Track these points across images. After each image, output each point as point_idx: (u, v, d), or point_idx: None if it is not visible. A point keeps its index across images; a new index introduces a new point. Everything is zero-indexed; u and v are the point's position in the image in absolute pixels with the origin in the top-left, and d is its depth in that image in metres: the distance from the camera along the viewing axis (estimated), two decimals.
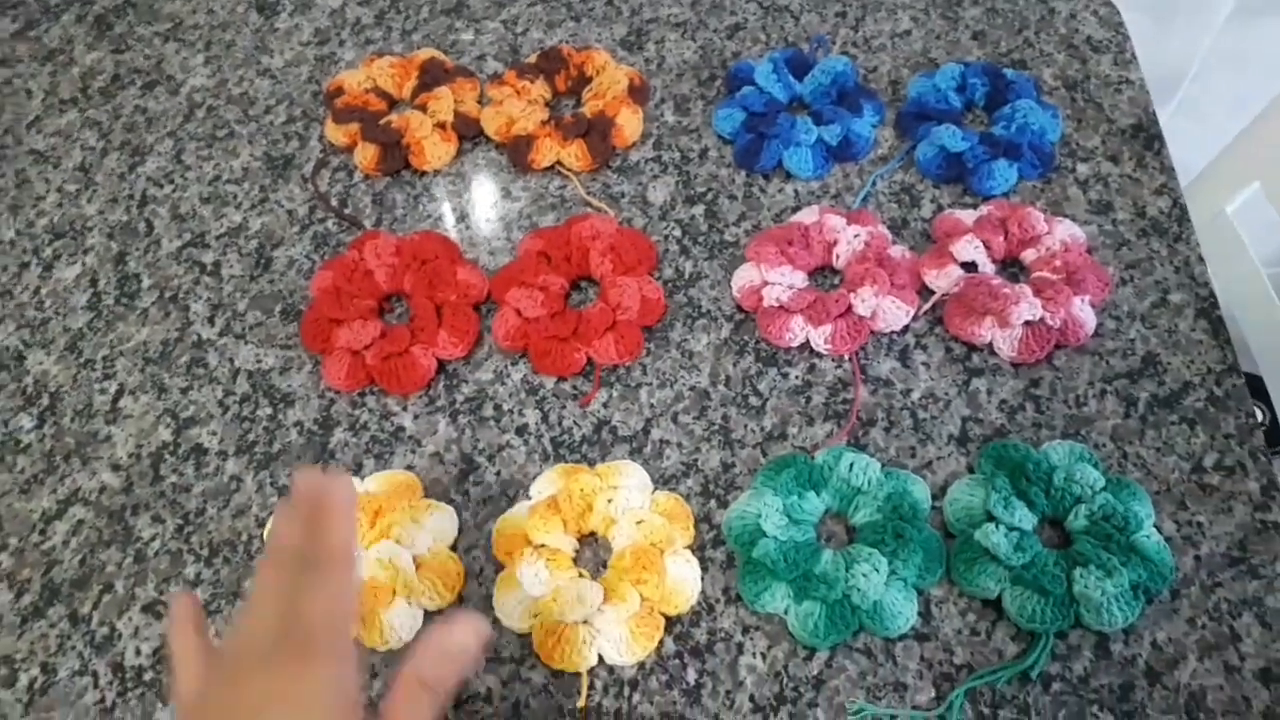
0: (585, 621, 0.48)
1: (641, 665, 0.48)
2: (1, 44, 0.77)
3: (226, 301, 0.63)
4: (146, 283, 0.64)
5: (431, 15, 0.77)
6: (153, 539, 0.54)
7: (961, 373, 0.57)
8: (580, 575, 0.50)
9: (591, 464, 0.54)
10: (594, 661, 0.48)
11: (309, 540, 0.34)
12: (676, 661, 0.49)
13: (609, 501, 0.51)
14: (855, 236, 0.60)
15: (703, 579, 0.50)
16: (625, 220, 0.64)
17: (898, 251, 0.60)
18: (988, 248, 0.59)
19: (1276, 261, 0.77)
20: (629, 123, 0.67)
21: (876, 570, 0.48)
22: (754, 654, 0.49)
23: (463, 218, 0.66)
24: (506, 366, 0.59)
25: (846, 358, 0.58)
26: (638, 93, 0.69)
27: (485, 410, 0.57)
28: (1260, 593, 0.48)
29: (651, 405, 0.57)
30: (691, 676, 0.48)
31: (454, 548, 0.52)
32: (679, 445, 0.55)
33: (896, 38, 0.72)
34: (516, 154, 0.67)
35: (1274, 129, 0.82)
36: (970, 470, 0.53)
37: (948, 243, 0.59)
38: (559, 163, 0.67)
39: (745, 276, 0.60)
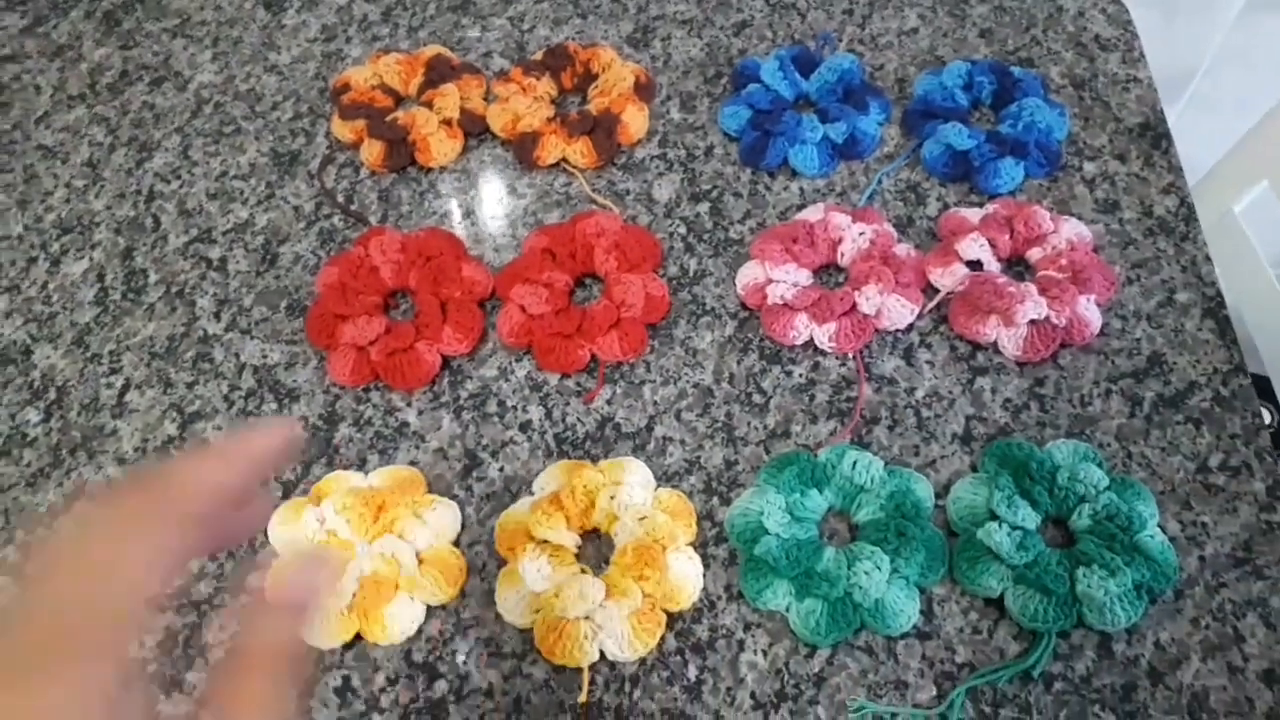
0: (587, 617, 0.48)
1: (643, 661, 0.49)
2: (10, 40, 0.77)
3: (232, 297, 0.63)
4: (153, 278, 0.64)
5: (438, 12, 0.77)
6: None
7: (966, 371, 0.57)
8: (582, 571, 0.50)
9: (595, 460, 0.54)
10: (595, 657, 0.48)
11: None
12: (678, 658, 0.49)
13: (612, 498, 0.51)
14: (860, 234, 0.59)
15: (705, 576, 0.50)
16: (630, 217, 0.64)
17: (903, 249, 0.60)
18: (993, 246, 0.59)
19: None
20: (634, 120, 0.67)
21: (879, 568, 0.48)
22: (755, 651, 0.49)
23: (468, 214, 0.66)
24: (511, 363, 0.59)
25: (851, 356, 0.58)
26: (643, 90, 0.69)
27: (489, 406, 0.57)
28: (1265, 594, 0.48)
29: (655, 402, 0.57)
30: (692, 673, 0.48)
31: (457, 543, 0.53)
32: (682, 442, 0.55)
33: (903, 35, 0.72)
34: (522, 151, 0.67)
35: None
36: (974, 469, 0.53)
37: (953, 241, 0.59)
38: (564, 160, 0.67)
39: (750, 274, 0.60)
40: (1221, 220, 0.78)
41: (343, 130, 0.69)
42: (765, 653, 0.48)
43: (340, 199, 0.67)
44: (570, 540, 0.51)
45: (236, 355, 0.60)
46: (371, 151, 0.67)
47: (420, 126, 0.67)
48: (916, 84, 0.68)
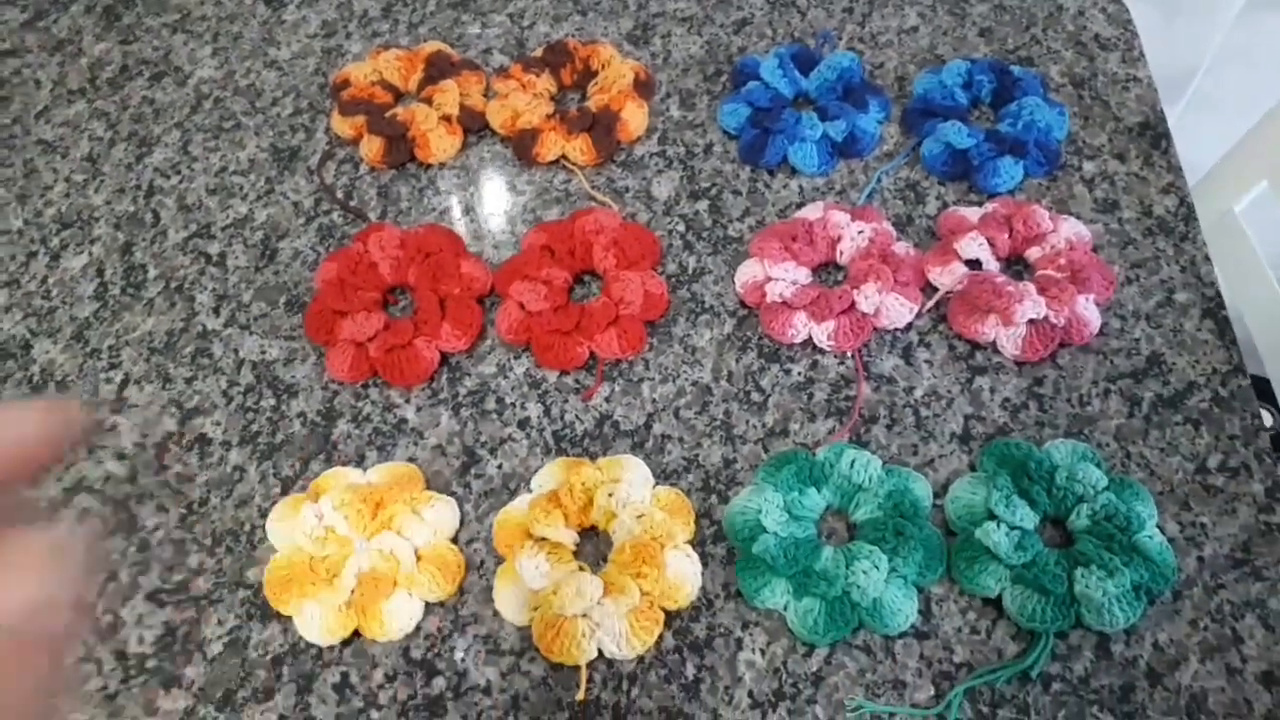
0: (585, 615, 0.48)
1: (640, 659, 0.49)
2: (11, 34, 0.77)
3: (232, 292, 0.63)
4: (152, 273, 0.64)
5: (438, 8, 0.77)
6: (156, 528, 0.54)
7: (965, 370, 0.57)
8: (580, 569, 0.50)
9: (593, 458, 0.54)
10: (593, 655, 0.48)
11: None
12: (675, 656, 0.49)
13: (610, 495, 0.51)
14: (859, 233, 0.59)
15: (703, 574, 0.50)
16: (629, 215, 0.64)
17: (902, 248, 0.60)
18: (992, 245, 0.59)
19: None
20: (634, 117, 0.67)
21: (877, 567, 0.48)
22: (753, 650, 0.49)
23: (467, 211, 0.66)
24: (509, 360, 0.59)
25: (849, 354, 0.58)
26: (643, 87, 0.69)
27: (488, 403, 0.57)
28: (1263, 595, 0.48)
29: (653, 400, 0.57)
30: (690, 671, 0.48)
31: (455, 540, 0.53)
32: (680, 440, 0.55)
33: (903, 34, 0.72)
34: (521, 147, 0.67)
35: None
36: (972, 468, 0.53)
37: (952, 240, 0.59)
38: (564, 157, 0.67)
39: (749, 272, 0.60)
40: (1222, 220, 0.77)
41: (342, 126, 0.69)
42: (763, 651, 0.49)
43: (340, 195, 0.67)
44: (568, 538, 0.51)
45: (235, 351, 0.60)
46: (371, 147, 0.67)
47: (420, 123, 0.67)
48: (916, 82, 0.68)
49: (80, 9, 0.79)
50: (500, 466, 0.55)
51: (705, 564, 0.51)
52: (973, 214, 0.61)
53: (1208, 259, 0.59)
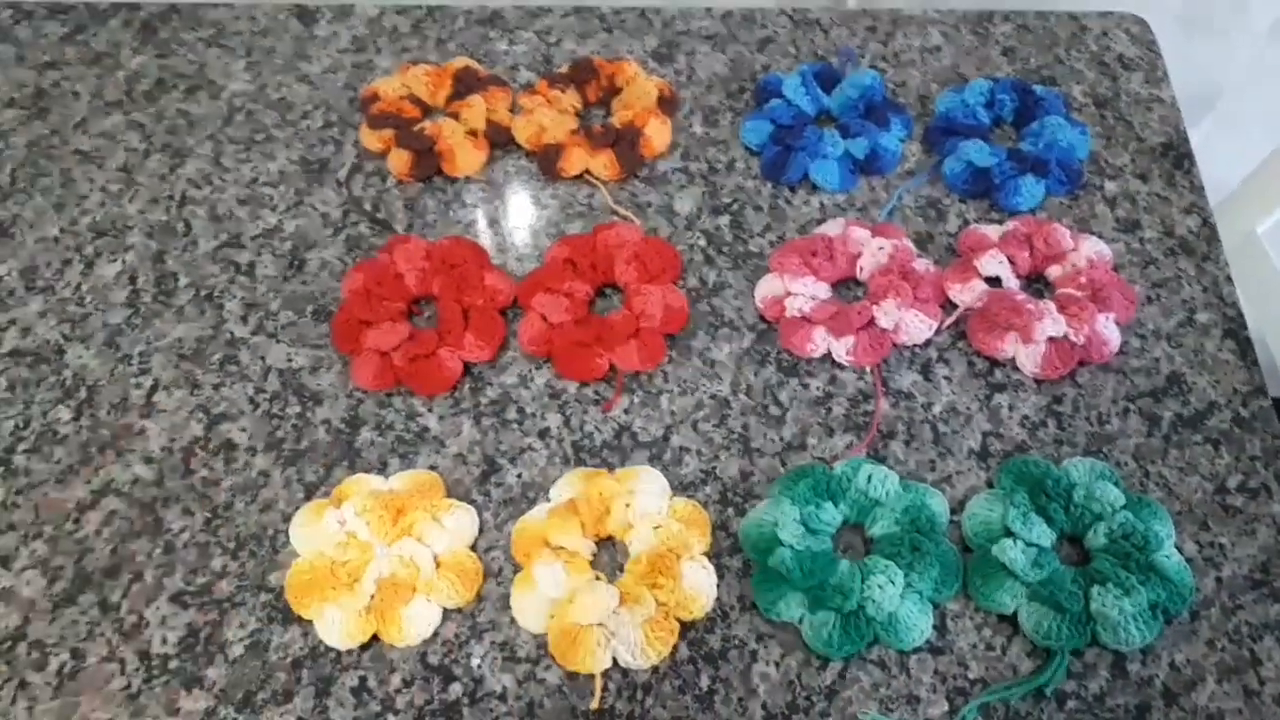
0: (600, 624, 0.48)
1: (655, 669, 0.49)
2: (51, 47, 0.79)
3: (260, 301, 0.64)
4: (183, 281, 0.65)
5: (467, 25, 0.78)
6: (182, 531, 0.55)
7: (983, 388, 0.57)
8: (597, 578, 0.50)
9: (611, 469, 0.55)
10: (608, 664, 0.48)
11: None
12: (690, 667, 0.49)
13: (627, 506, 0.52)
14: (879, 249, 0.60)
15: (719, 586, 0.51)
16: (651, 229, 0.65)
17: (922, 265, 0.60)
18: (1012, 263, 0.59)
19: None
20: (658, 133, 0.68)
21: (892, 582, 0.48)
22: (767, 662, 0.49)
23: (492, 224, 0.67)
24: (531, 371, 0.60)
25: (868, 370, 0.58)
26: (667, 104, 0.70)
27: (508, 413, 0.58)
28: None
29: (672, 412, 0.57)
30: (704, 682, 0.48)
31: (474, 547, 0.53)
32: (698, 453, 0.56)
33: (926, 53, 0.73)
34: (546, 162, 0.68)
35: None
36: (989, 485, 0.53)
37: (972, 257, 0.59)
38: (588, 171, 0.68)
39: (768, 287, 0.60)
40: (1245, 241, 0.77)
41: (371, 139, 0.70)
42: (777, 664, 0.49)
43: (367, 207, 0.68)
44: (585, 547, 0.51)
45: (262, 358, 0.62)
46: (399, 161, 0.69)
47: (447, 137, 0.68)
48: (938, 101, 0.68)
49: (119, 23, 0.81)
50: (520, 476, 0.56)
51: (721, 576, 0.51)
52: (993, 232, 0.61)
53: (1230, 279, 0.59)
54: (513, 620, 0.50)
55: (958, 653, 0.48)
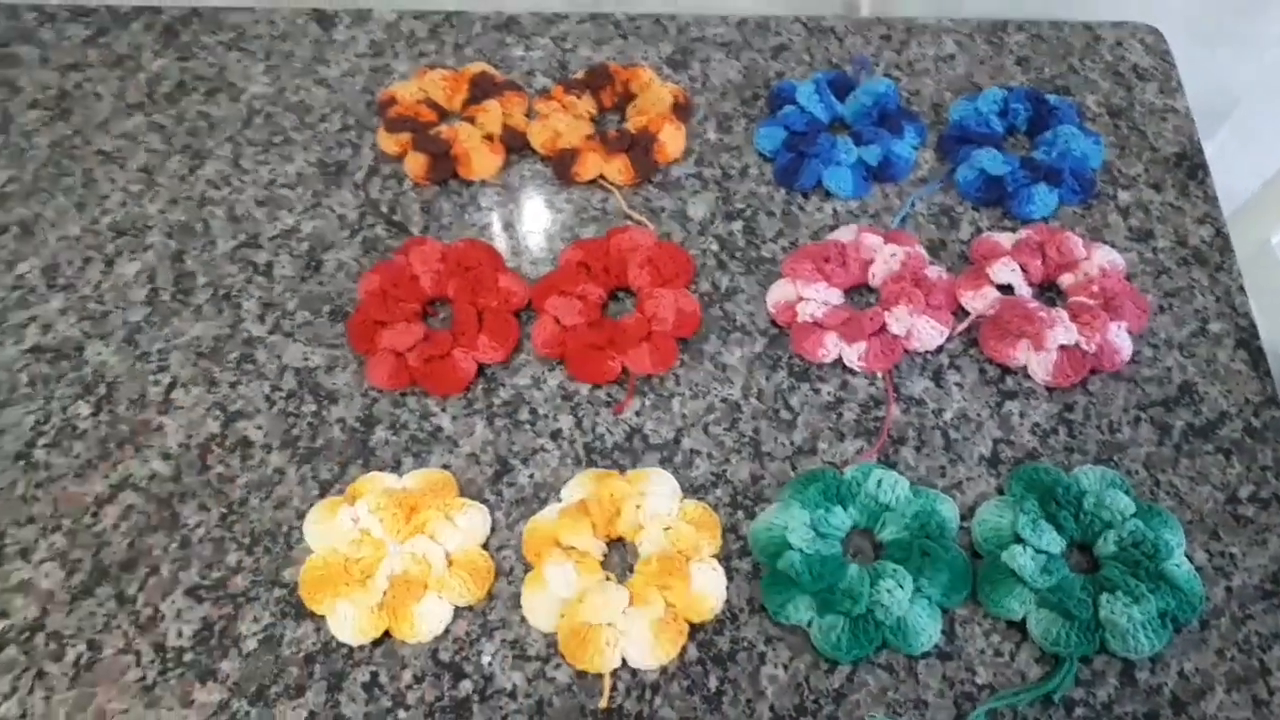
0: (610, 624, 0.49)
1: (664, 670, 0.49)
2: (74, 50, 0.80)
3: (277, 301, 0.65)
4: (202, 280, 0.66)
5: (484, 30, 0.79)
6: (198, 526, 0.55)
7: (995, 395, 0.57)
8: (607, 578, 0.51)
9: (622, 470, 0.55)
10: (617, 663, 0.49)
11: None
12: (699, 668, 0.49)
13: (638, 507, 0.52)
14: (892, 255, 0.60)
15: (728, 588, 0.51)
16: (664, 234, 0.66)
17: (934, 272, 0.60)
18: (1025, 271, 0.59)
19: None
20: (672, 139, 0.68)
21: (901, 587, 0.48)
22: (776, 664, 0.49)
23: (507, 227, 0.68)
24: (544, 372, 0.60)
25: (879, 375, 0.58)
26: (681, 110, 0.71)
27: (521, 414, 0.59)
28: None
29: (683, 415, 0.58)
30: (713, 683, 0.49)
31: (485, 546, 0.54)
32: (709, 455, 0.56)
33: (940, 61, 0.73)
34: (561, 167, 0.69)
35: None
36: (1000, 492, 0.53)
37: (985, 265, 0.60)
38: (602, 176, 0.69)
39: (781, 292, 0.61)
40: (1259, 251, 0.77)
41: (388, 143, 0.71)
42: (786, 666, 0.49)
43: (384, 209, 0.69)
44: (596, 548, 0.52)
45: (279, 357, 0.62)
46: (415, 164, 0.69)
47: (463, 141, 0.69)
48: (952, 109, 0.69)
49: (140, 26, 0.82)
50: (532, 476, 0.56)
51: (731, 578, 0.51)
52: (1006, 240, 0.61)
53: (1243, 290, 0.59)
54: (523, 619, 0.51)
55: (966, 658, 0.48)
